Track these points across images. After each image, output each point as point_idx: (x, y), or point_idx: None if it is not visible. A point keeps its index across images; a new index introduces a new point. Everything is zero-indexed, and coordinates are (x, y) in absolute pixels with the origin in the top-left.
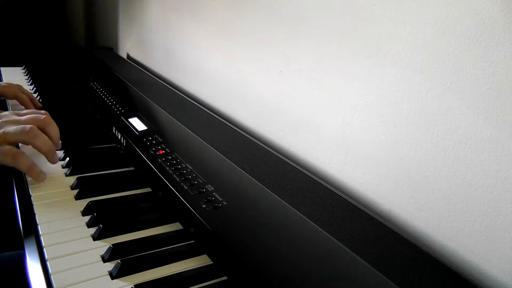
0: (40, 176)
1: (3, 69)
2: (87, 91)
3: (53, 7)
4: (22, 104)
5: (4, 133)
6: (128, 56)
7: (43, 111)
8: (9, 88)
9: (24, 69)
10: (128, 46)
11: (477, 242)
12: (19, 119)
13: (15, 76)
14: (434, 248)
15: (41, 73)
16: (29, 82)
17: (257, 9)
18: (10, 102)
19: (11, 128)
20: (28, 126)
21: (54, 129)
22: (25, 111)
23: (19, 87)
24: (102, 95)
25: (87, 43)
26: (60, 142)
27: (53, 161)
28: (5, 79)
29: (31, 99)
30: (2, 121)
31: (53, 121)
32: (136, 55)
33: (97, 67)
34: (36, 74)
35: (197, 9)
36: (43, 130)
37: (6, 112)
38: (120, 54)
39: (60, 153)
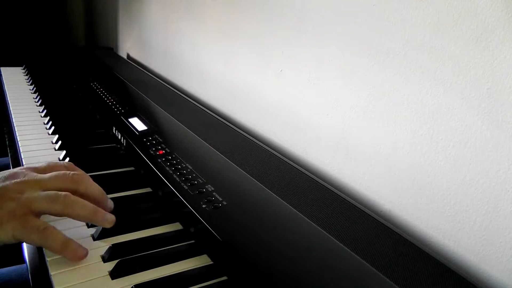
0: (77, 254)
1: (3, 69)
2: (87, 91)
3: (53, 7)
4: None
5: (29, 200)
6: (128, 56)
7: (66, 164)
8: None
9: (24, 69)
10: (128, 46)
11: (477, 242)
12: (42, 179)
13: (15, 76)
14: (434, 248)
15: (41, 73)
16: (29, 82)
17: (257, 9)
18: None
19: (38, 195)
20: (63, 193)
21: (90, 185)
22: (44, 165)
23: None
24: (102, 95)
25: (87, 43)
26: (108, 199)
27: (105, 224)
28: (5, 79)
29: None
30: (20, 182)
31: (85, 174)
32: (136, 55)
33: (97, 67)
34: (36, 74)
35: (197, 9)
36: (75, 191)
37: (20, 169)
38: (120, 54)
39: (60, 154)
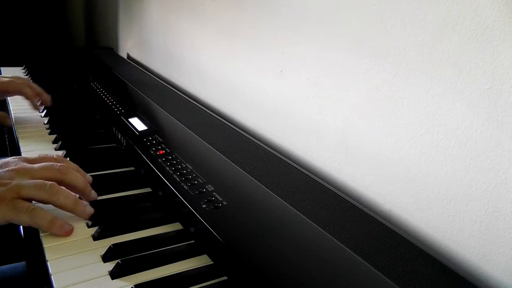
0: (64, 229)
1: (3, 69)
2: (87, 91)
3: (53, 7)
4: (28, 99)
5: (18, 186)
6: (128, 56)
7: (55, 156)
8: (12, 84)
9: (24, 69)
10: (128, 46)
11: (477, 242)
12: (31, 168)
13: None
14: (434, 248)
15: (41, 73)
16: None
17: (257, 10)
18: (10, 98)
19: (26, 182)
20: (49, 182)
21: (75, 177)
22: (35, 156)
23: (25, 81)
24: (102, 95)
25: (87, 43)
26: (92, 191)
27: (83, 215)
28: None
29: (39, 94)
30: (11, 170)
31: (71, 168)
32: (136, 55)
33: (97, 67)
34: (36, 74)
35: (197, 9)
36: (61, 182)
37: (12, 158)
38: (120, 54)
39: (60, 154)
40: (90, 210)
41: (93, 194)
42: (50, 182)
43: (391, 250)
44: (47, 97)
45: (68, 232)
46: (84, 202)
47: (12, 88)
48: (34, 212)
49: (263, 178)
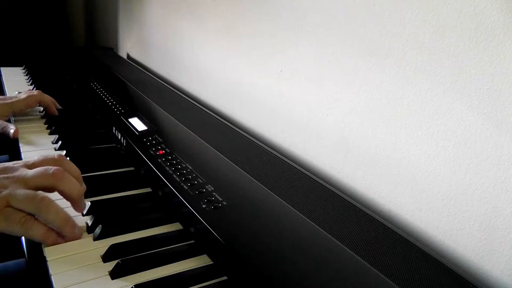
0: (58, 243)
1: (3, 69)
2: (87, 91)
3: (53, 7)
4: (47, 107)
5: (9, 196)
6: (128, 56)
7: (56, 156)
8: (31, 97)
9: (24, 69)
10: (128, 46)
11: (477, 242)
12: (25, 176)
13: (15, 76)
14: (434, 248)
15: (41, 73)
16: (29, 82)
17: (257, 10)
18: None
19: (17, 192)
20: (40, 195)
21: (69, 185)
22: (35, 159)
23: (39, 92)
24: (102, 95)
25: (87, 43)
26: (83, 200)
27: (71, 236)
28: (5, 79)
29: (53, 102)
30: (7, 178)
31: (69, 172)
32: (136, 55)
33: (97, 67)
34: (36, 74)
35: (197, 9)
36: (55, 188)
37: (12, 164)
38: (120, 54)
39: (60, 154)
40: (79, 232)
41: (84, 204)
42: (41, 195)
43: (391, 250)
44: (58, 105)
45: (61, 243)
46: (74, 222)
47: (32, 102)
48: (27, 223)
49: (263, 178)
